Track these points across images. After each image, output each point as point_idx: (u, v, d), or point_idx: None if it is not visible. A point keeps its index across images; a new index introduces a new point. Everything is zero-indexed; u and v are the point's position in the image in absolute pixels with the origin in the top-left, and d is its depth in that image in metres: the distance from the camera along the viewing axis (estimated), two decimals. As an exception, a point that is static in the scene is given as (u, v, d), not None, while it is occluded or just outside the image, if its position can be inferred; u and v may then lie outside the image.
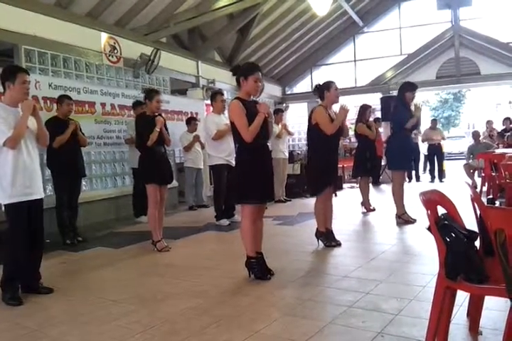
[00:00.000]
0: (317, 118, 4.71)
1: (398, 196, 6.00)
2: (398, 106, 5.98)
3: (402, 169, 6.11)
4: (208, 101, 9.55)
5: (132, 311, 3.14)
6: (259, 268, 3.76)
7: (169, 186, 5.45)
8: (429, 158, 11.94)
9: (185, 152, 8.08)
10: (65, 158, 5.40)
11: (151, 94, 4.99)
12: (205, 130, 6.58)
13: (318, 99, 4.99)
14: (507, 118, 10.98)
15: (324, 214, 4.87)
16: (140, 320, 2.96)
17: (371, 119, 7.71)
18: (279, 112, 8.97)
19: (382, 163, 10.18)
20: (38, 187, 3.59)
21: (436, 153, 11.57)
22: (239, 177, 3.79)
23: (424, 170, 12.69)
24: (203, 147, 8.08)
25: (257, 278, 3.73)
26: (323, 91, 4.80)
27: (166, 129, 5.12)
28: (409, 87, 5.92)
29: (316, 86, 4.90)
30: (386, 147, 6.35)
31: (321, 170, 4.74)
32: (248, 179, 3.69)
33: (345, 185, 10.81)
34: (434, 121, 12.05)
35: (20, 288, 3.52)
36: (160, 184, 5.00)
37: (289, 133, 9.12)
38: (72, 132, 5.45)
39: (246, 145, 3.71)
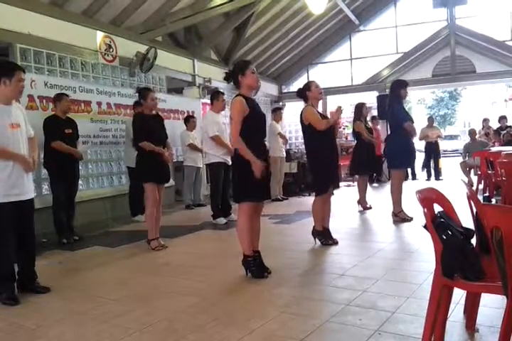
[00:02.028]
0: (308, 116, 4.74)
1: (397, 194, 6.01)
2: (394, 105, 5.99)
3: (401, 167, 6.12)
4: (204, 100, 9.59)
5: (129, 310, 3.14)
6: (256, 267, 3.77)
7: (166, 185, 5.44)
8: (425, 156, 11.96)
9: (188, 150, 8.05)
10: (63, 159, 5.39)
11: (144, 92, 4.97)
12: (204, 128, 6.59)
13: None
14: (503, 117, 11.02)
15: (322, 212, 4.88)
16: (137, 319, 2.96)
17: (368, 119, 7.72)
18: (277, 110, 8.97)
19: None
20: (27, 187, 3.53)
21: (433, 151, 11.58)
22: (238, 174, 3.82)
23: (423, 168, 12.71)
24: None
25: (254, 277, 3.73)
26: (305, 92, 4.89)
27: (165, 130, 5.12)
28: (402, 84, 6.00)
29: (298, 90, 5.02)
30: (385, 146, 6.35)
31: (323, 170, 4.77)
32: (247, 177, 3.69)
33: (341, 184, 10.81)
34: (430, 119, 12.07)
35: (16, 287, 3.51)
36: (159, 183, 5.00)
37: (285, 140, 9.03)
38: (69, 133, 5.49)
39: (246, 142, 3.70)
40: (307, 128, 4.78)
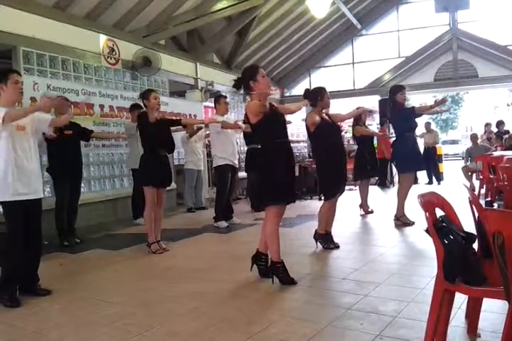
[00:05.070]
0: (308, 120, 4.72)
1: (402, 198, 6.00)
2: (394, 111, 6.02)
3: (411, 170, 6.10)
4: (206, 103, 9.62)
5: (130, 313, 3.14)
6: (284, 273, 3.62)
7: (167, 188, 5.44)
8: (425, 160, 11.92)
9: (189, 153, 8.07)
10: (66, 162, 5.41)
11: (146, 93, 5.04)
12: (210, 130, 6.62)
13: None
14: (501, 122, 11.02)
15: (328, 216, 4.87)
16: (138, 322, 2.95)
17: (367, 123, 7.73)
18: None
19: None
20: (35, 187, 3.58)
21: (431, 155, 11.54)
22: (266, 177, 3.66)
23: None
24: (205, 146, 8.18)
25: (283, 284, 3.58)
26: (317, 98, 4.67)
27: (169, 132, 5.12)
28: (397, 89, 6.02)
29: (308, 90, 4.65)
30: (392, 152, 6.35)
31: (332, 175, 4.76)
32: (277, 178, 3.60)
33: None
34: (427, 124, 12.07)
35: (18, 289, 3.51)
36: (158, 186, 4.99)
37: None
38: (69, 134, 5.47)
39: (269, 145, 3.65)
40: (313, 135, 4.76)
